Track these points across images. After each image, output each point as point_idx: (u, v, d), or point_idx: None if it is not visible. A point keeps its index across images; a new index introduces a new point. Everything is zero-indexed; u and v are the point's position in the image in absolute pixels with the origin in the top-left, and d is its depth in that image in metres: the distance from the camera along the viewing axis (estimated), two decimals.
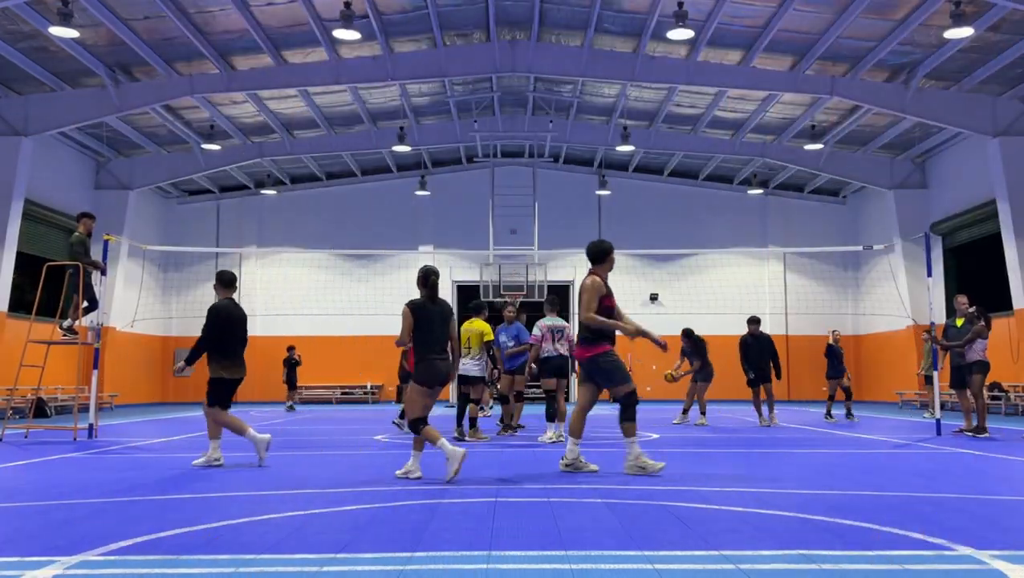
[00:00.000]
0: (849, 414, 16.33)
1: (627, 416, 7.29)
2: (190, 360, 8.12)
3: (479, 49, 19.87)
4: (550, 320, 11.15)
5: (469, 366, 11.25)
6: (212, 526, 4.79)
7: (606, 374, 7.32)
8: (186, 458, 9.02)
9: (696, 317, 27.57)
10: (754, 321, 15.01)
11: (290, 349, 22.57)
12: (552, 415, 11.02)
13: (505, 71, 20.16)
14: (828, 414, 16.11)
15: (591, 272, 7.73)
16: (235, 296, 8.59)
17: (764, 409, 15.01)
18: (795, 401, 27.87)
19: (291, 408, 21.98)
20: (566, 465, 7.42)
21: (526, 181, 26.90)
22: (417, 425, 7.09)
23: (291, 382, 22.15)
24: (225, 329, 8.11)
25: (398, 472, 7.10)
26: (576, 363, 7.83)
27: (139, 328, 24.54)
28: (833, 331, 17.25)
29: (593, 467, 7.42)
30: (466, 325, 11.49)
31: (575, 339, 11.36)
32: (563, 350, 11.04)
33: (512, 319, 12.05)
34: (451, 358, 7.31)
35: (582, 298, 7.50)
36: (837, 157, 24.77)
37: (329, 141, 24.65)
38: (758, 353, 14.67)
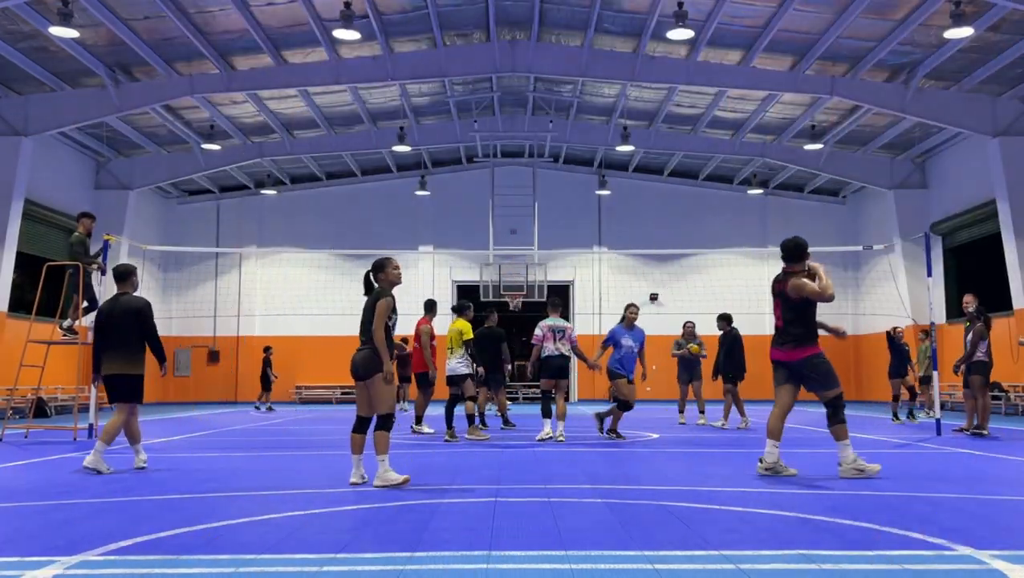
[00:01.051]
0: (911, 415, 15.58)
1: (838, 418, 7.07)
2: (94, 367, 7.98)
3: (479, 49, 19.87)
4: (552, 320, 11.21)
5: (453, 365, 11.35)
6: (212, 526, 4.79)
7: (822, 375, 7.08)
8: (186, 458, 9.02)
9: (696, 317, 27.57)
10: (721, 318, 14.52)
11: (267, 349, 22.51)
12: (548, 412, 11.08)
13: (505, 71, 20.16)
14: (895, 416, 15.32)
15: (793, 272, 7.22)
16: (134, 289, 8.20)
17: (735, 409, 14.44)
18: (795, 401, 27.84)
19: (269, 408, 21.86)
20: (766, 469, 7.08)
21: (526, 181, 26.90)
22: (356, 424, 6.72)
23: (265, 382, 22.03)
24: (99, 327, 7.97)
25: (376, 482, 6.49)
26: (784, 366, 7.21)
27: None
28: (895, 327, 16.17)
29: (792, 471, 7.13)
30: (450, 325, 11.64)
31: (576, 339, 11.46)
32: (564, 350, 11.07)
33: (633, 320, 11.50)
34: (367, 350, 6.62)
35: (802, 292, 7.03)
36: (837, 157, 24.77)
37: (329, 141, 24.66)
38: (724, 353, 14.21)
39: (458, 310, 11.90)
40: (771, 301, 7.47)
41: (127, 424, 7.94)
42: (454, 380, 11.46)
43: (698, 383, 14.97)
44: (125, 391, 7.88)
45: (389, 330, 6.71)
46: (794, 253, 7.28)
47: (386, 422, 6.56)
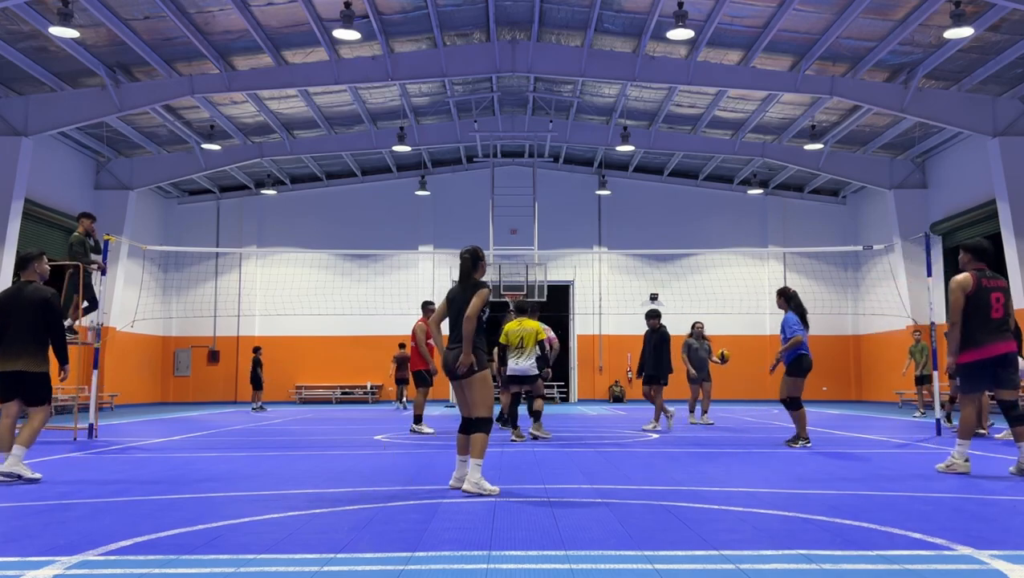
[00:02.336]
0: (948, 419, 14.11)
1: (1022, 420, 7.15)
2: None
3: (479, 49, 19.87)
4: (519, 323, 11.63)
5: (525, 365, 11.17)
6: (212, 526, 4.79)
7: (1017, 371, 7.31)
8: (186, 458, 9.02)
9: (696, 317, 27.50)
10: (650, 316, 13.71)
11: (256, 350, 22.46)
12: (517, 414, 11.48)
13: (505, 71, 20.16)
14: (949, 419, 14.07)
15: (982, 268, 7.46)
16: (35, 277, 7.38)
17: (679, 411, 14.16)
18: None
19: (260, 408, 21.81)
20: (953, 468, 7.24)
21: (526, 181, 26.91)
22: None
23: (256, 382, 21.99)
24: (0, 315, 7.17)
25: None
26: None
27: (139, 328, 24.54)
28: None
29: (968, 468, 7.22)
30: (517, 325, 11.31)
31: (551, 339, 11.69)
32: (538, 350, 11.43)
33: (782, 308, 10.52)
34: (459, 348, 6.27)
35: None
36: (837, 157, 24.78)
37: (329, 141, 24.66)
38: (649, 350, 13.53)
39: (524, 310, 11.68)
40: (772, 299, 7.53)
41: (9, 427, 7.09)
42: (523, 380, 11.28)
43: (708, 384, 15.01)
44: (33, 392, 7.14)
45: (482, 324, 6.29)
46: (989, 252, 7.50)
47: (484, 425, 6.22)
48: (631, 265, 28.65)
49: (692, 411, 15.27)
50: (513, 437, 11.19)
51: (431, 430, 12.65)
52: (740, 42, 18.35)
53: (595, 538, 4.42)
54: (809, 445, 10.03)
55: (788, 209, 29.03)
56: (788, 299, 10.47)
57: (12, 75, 18.15)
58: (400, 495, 6.03)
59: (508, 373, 11.31)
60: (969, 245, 7.53)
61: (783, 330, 10.30)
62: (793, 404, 10.04)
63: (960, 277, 7.35)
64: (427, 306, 13.44)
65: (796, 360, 10.06)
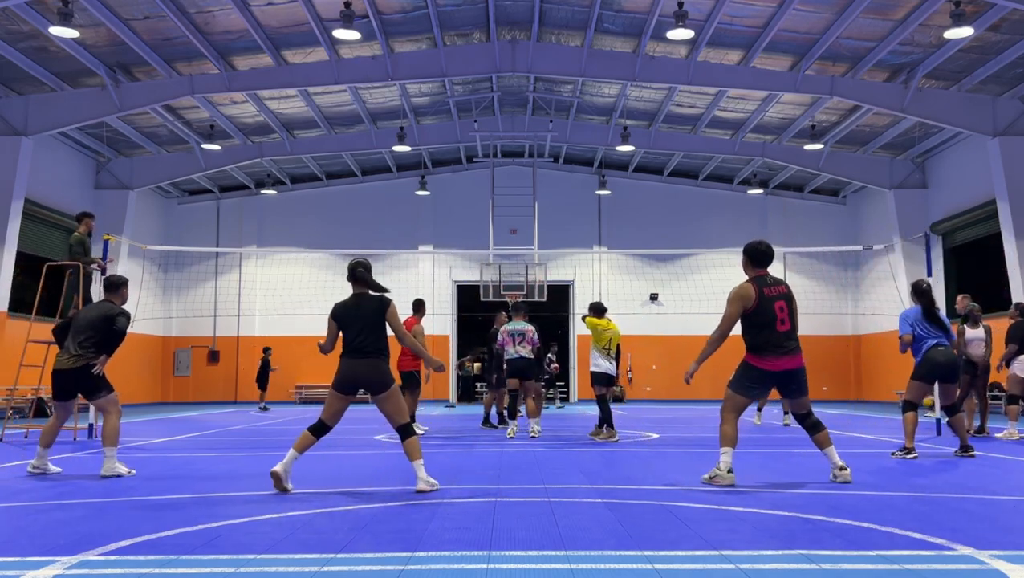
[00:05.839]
0: None
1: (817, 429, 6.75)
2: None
3: (479, 49, 19.87)
4: (512, 324, 11.84)
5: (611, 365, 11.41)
6: (212, 526, 4.79)
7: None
8: (186, 458, 9.02)
9: (696, 317, 27.49)
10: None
11: (266, 350, 22.45)
12: (513, 413, 11.72)
13: (505, 71, 20.17)
14: None
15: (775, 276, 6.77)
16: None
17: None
18: None
19: (264, 408, 21.79)
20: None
21: (526, 181, 26.90)
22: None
23: (262, 382, 21.99)
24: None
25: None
26: None
27: (139, 328, 24.52)
28: None
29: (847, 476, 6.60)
30: (608, 326, 11.50)
31: (537, 341, 11.80)
32: (524, 353, 11.64)
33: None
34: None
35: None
36: (837, 157, 24.78)
37: (329, 141, 24.66)
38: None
39: (520, 311, 11.92)
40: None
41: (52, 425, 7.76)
42: (610, 378, 11.49)
43: None
44: (83, 387, 7.87)
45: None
46: (769, 255, 6.89)
47: (411, 429, 6.51)
48: (631, 265, 28.66)
49: (787, 412, 13.34)
50: (510, 433, 11.31)
51: (424, 428, 12.69)
52: (740, 42, 18.35)
53: (595, 538, 4.41)
54: (910, 457, 8.64)
55: (788, 209, 29.04)
56: (916, 295, 9.59)
57: (12, 75, 18.15)
58: (400, 495, 6.03)
59: (597, 372, 11.28)
60: (747, 248, 6.78)
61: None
62: (903, 406, 9.14)
63: (739, 287, 6.62)
64: (420, 305, 13.02)
65: (919, 360, 9.07)
